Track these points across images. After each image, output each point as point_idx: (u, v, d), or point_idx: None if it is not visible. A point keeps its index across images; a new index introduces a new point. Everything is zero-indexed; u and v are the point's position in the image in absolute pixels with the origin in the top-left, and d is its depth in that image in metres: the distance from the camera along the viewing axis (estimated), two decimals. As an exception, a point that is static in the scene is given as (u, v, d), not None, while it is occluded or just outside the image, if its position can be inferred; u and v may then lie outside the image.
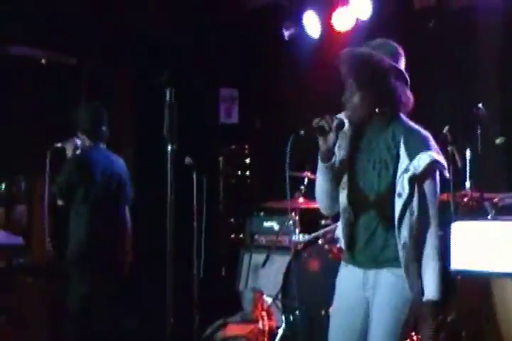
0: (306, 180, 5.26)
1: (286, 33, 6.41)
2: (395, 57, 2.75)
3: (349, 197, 2.77)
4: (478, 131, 4.19)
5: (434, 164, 2.66)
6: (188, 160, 4.65)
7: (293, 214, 5.25)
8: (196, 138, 6.08)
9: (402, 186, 2.63)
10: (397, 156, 2.69)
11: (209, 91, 6.40)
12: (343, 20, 6.08)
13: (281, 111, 6.65)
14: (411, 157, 2.65)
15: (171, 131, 3.08)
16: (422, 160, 2.63)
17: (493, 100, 4.80)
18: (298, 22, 6.33)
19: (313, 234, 5.06)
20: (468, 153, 4.50)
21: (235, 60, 6.46)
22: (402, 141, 2.69)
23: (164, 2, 6.27)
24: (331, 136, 2.67)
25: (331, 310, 3.00)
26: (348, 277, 2.85)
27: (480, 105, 4.18)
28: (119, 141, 5.34)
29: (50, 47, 5.95)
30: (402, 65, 2.78)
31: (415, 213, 2.65)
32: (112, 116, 4.89)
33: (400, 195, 2.64)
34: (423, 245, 2.68)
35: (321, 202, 2.90)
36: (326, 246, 4.79)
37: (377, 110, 2.70)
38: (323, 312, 4.54)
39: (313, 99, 6.21)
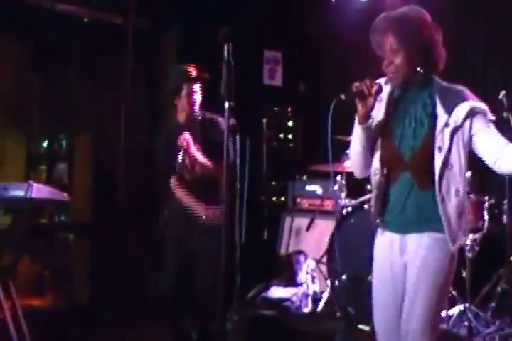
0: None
1: (333, -5, 6.32)
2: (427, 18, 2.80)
3: (382, 157, 2.81)
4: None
5: (474, 110, 2.71)
6: (231, 121, 4.58)
7: (339, 178, 5.19)
8: (240, 99, 5.99)
9: (443, 140, 2.68)
10: (434, 114, 2.74)
11: (254, 53, 6.28)
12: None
13: (325, 76, 6.56)
14: (449, 112, 2.70)
15: (229, 88, 3.05)
16: (461, 111, 2.69)
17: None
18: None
19: (360, 199, 5.02)
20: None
21: (281, 21, 6.33)
22: (437, 99, 2.75)
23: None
24: (370, 100, 2.75)
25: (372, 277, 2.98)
26: (385, 244, 2.84)
27: None
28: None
29: (94, 6, 5.81)
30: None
31: (454, 166, 2.68)
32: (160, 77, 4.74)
33: (440, 149, 2.68)
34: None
35: (353, 164, 2.97)
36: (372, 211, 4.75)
37: (418, 69, 2.75)
38: (369, 278, 4.53)
39: (357, 63, 6.11)
